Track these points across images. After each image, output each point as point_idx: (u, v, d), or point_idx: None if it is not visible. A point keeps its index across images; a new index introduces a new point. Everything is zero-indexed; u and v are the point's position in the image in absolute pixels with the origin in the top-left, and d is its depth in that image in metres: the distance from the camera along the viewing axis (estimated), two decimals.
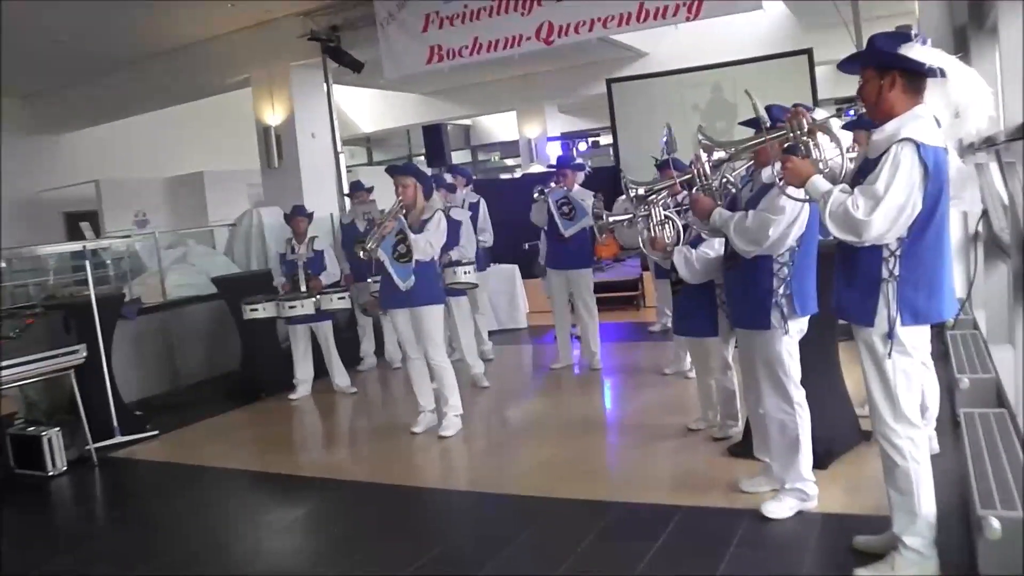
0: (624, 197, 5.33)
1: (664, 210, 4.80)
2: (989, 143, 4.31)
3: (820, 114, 3.63)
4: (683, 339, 6.09)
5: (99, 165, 14.18)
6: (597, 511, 4.44)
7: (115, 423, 6.70)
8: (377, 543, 4.38)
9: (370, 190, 8.83)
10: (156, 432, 6.98)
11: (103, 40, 10.78)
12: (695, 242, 4.78)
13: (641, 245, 4.90)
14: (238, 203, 13.11)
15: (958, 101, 3.07)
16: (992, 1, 4.65)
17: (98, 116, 13.81)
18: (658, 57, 14.41)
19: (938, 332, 5.46)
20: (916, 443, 3.19)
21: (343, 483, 5.46)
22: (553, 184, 7.49)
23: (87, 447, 6.35)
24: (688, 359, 6.79)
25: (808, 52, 10.97)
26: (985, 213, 5.29)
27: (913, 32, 3.14)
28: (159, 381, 8.60)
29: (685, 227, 4.82)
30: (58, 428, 6.21)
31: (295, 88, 11.15)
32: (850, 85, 3.33)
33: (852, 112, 3.45)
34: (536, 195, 7.52)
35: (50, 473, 6.09)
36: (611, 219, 5.51)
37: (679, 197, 5.10)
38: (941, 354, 5.41)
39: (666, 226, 4.78)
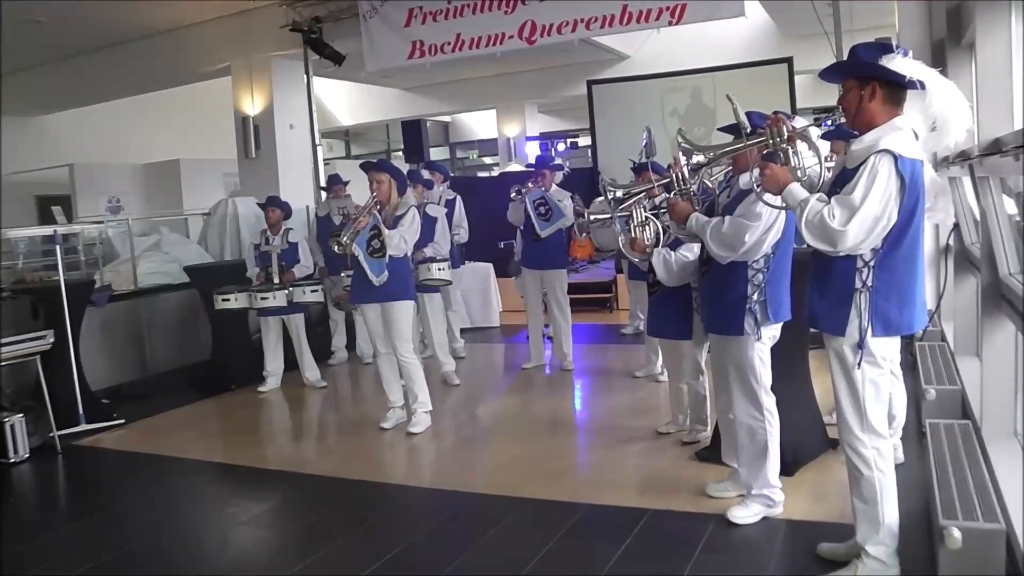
0: (601, 199, 5.34)
1: (645, 211, 4.80)
2: (963, 157, 4.35)
3: (799, 122, 3.65)
4: (656, 341, 6.11)
5: (73, 149, 13.98)
6: (564, 512, 4.43)
7: (81, 410, 6.63)
8: (342, 539, 4.35)
9: (346, 184, 8.80)
10: (123, 421, 6.92)
11: (82, 22, 10.64)
12: (675, 244, 4.77)
13: (620, 246, 4.90)
14: (214, 192, 12.99)
15: (936, 114, 3.10)
16: (970, 17, 4.70)
17: (74, 99, 13.59)
18: (639, 60, 14.45)
19: (907, 343, 5.52)
20: (882, 453, 3.21)
21: (310, 477, 5.42)
22: (531, 184, 7.48)
23: (51, 434, 6.28)
24: (659, 362, 6.81)
25: (788, 60, 11.00)
26: (957, 226, 5.35)
27: (894, 44, 3.16)
28: (128, 369, 8.51)
29: (665, 228, 4.81)
30: (22, 414, 6.12)
31: (275, 78, 11.07)
32: (829, 95, 3.36)
33: (830, 122, 3.46)
34: (513, 194, 7.52)
35: (12, 460, 6.01)
36: (592, 217, 5.52)
37: (656, 199, 5.10)
38: (909, 365, 5.46)
39: (646, 227, 4.77)
